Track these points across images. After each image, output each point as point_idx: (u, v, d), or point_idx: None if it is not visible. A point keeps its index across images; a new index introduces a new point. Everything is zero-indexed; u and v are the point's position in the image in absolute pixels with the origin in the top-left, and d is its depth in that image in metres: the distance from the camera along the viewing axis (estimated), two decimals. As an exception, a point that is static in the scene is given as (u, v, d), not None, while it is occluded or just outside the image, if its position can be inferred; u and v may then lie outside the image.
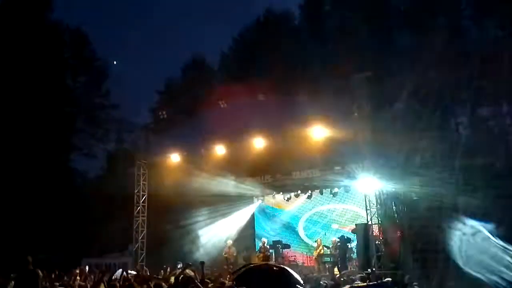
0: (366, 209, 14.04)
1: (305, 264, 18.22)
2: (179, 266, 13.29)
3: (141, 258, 18.31)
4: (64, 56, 34.88)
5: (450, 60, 22.72)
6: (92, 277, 11.08)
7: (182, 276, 8.15)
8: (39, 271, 7.88)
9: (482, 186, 13.91)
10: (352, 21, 31.48)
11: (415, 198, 14.16)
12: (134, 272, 12.72)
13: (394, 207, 13.96)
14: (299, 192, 19.99)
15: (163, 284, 8.11)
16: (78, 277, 10.81)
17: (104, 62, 36.65)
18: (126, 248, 20.79)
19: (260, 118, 15.77)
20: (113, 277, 10.29)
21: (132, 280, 8.99)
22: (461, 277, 10.88)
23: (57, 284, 9.84)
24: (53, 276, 11.31)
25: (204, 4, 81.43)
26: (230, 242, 18.81)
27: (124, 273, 10.38)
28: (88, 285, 9.72)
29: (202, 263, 8.83)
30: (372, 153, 14.11)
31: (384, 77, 15.03)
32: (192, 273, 8.88)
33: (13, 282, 8.60)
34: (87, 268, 13.34)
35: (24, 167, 26.08)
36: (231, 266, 16.99)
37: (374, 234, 13.98)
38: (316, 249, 17.39)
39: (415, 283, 9.75)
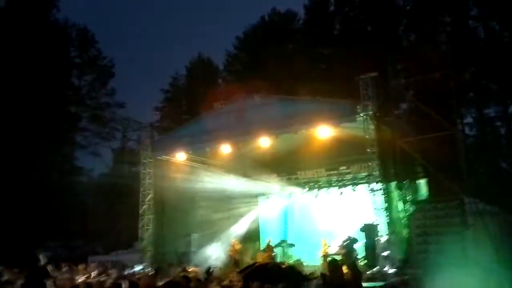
0: (373, 209, 14.05)
1: (311, 264, 18.23)
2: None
3: (147, 255, 18.36)
4: (70, 55, 35.08)
5: (456, 60, 22.71)
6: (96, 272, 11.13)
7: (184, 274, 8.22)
8: (48, 269, 7.97)
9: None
10: (356, 21, 31.52)
11: (422, 198, 14.14)
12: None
13: (401, 207, 13.95)
14: (305, 191, 20.04)
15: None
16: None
17: (110, 61, 36.82)
18: (132, 245, 20.87)
19: (265, 117, 15.77)
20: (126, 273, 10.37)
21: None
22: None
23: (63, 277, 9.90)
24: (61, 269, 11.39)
25: (210, 3, 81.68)
26: (234, 240, 18.88)
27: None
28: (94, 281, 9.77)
29: (171, 264, 8.94)
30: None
31: (390, 77, 14.95)
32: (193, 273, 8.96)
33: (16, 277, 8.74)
34: (92, 265, 13.43)
35: (29, 165, 26.24)
36: (237, 265, 17.08)
37: (381, 234, 14.00)
38: (322, 249, 17.41)
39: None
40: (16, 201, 23.96)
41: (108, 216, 26.34)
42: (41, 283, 7.71)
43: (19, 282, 8.73)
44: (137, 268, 13.96)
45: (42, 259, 7.97)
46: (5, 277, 9.71)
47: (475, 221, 11.76)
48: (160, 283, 7.87)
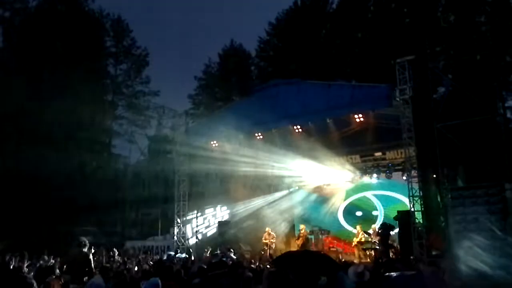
0: (409, 196, 13.77)
1: (345, 251, 18.10)
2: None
3: (183, 241, 18.69)
4: (105, 45, 35.68)
5: (497, 41, 21.76)
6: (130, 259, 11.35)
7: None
8: (90, 255, 8.16)
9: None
10: (391, 2, 30.61)
11: (460, 184, 13.76)
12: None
13: (438, 195, 13.63)
14: (340, 177, 19.80)
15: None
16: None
17: (144, 50, 37.23)
18: (168, 231, 21.28)
19: (298, 103, 15.64)
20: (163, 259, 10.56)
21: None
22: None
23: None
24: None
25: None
26: (268, 228, 18.91)
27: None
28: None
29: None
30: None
31: (427, 60, 14.48)
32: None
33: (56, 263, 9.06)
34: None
35: (69, 154, 26.95)
36: (270, 252, 17.13)
37: (417, 221, 13.71)
38: (356, 236, 17.23)
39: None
40: (56, 189, 24.72)
41: (144, 203, 26.87)
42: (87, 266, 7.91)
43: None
44: (172, 253, 14.23)
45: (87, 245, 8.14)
46: (49, 262, 10.09)
47: (517, 209, 11.34)
48: (197, 268, 7.98)
